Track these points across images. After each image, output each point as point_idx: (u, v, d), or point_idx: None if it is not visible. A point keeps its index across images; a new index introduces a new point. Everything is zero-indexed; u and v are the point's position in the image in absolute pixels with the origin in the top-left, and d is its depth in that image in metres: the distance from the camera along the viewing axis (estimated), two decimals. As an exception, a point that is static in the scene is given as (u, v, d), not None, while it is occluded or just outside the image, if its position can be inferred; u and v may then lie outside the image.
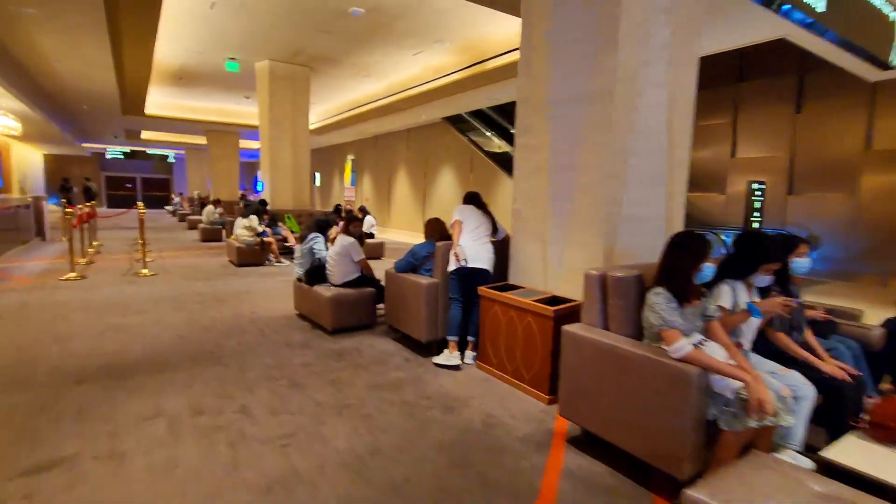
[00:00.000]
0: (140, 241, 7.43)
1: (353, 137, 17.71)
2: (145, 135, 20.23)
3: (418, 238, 14.30)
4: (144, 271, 7.15)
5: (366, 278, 4.71)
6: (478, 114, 12.29)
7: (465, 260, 3.57)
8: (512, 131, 11.78)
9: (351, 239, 4.60)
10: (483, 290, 3.55)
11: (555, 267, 3.41)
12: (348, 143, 18.88)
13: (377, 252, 9.37)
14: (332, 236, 5.11)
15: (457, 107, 11.40)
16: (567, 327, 2.54)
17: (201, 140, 19.41)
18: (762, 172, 9.33)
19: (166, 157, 27.13)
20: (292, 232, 9.70)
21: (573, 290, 3.29)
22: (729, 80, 9.65)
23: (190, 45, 9.07)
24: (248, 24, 7.87)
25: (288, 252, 9.43)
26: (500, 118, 11.99)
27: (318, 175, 21.96)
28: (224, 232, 12.35)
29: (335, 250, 4.61)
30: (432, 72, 9.97)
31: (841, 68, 6.67)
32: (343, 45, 8.74)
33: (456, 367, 3.61)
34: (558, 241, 3.37)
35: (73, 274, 6.66)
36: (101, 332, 4.30)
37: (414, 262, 4.06)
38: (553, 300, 3.27)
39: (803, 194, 8.93)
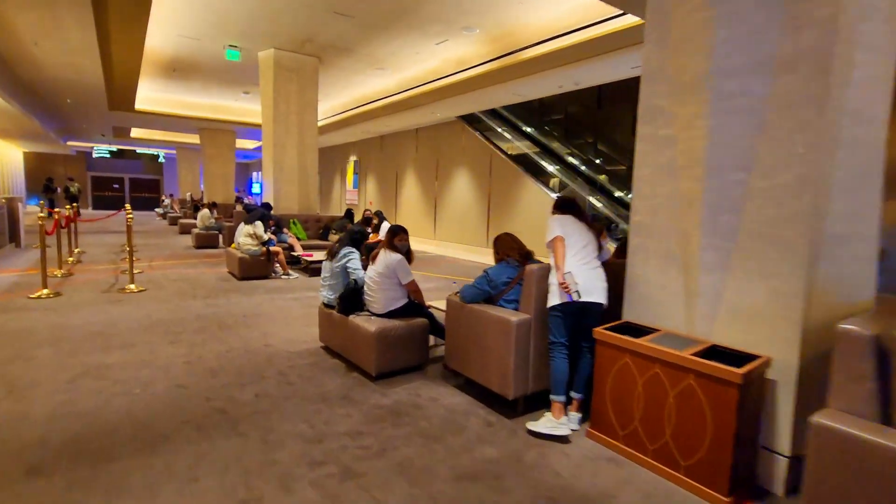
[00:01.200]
0: (127, 249, 6.38)
1: (357, 137, 16.68)
2: (135, 133, 19.03)
3: (427, 245, 13.50)
4: (132, 286, 6.10)
5: (415, 305, 3.73)
6: (493, 113, 11.36)
7: (577, 292, 2.60)
8: (524, 129, 10.93)
9: (398, 256, 3.62)
10: (603, 332, 2.59)
11: (709, 303, 2.46)
12: (351, 144, 17.85)
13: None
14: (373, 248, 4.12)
15: (479, 103, 10.45)
16: (824, 420, 1.58)
17: (193, 139, 18.26)
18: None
19: (156, 156, 25.89)
20: (299, 239, 8.70)
21: (740, 336, 2.34)
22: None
23: (186, 30, 8.03)
24: (252, 6, 6.87)
25: (294, 262, 8.42)
26: (517, 119, 11.07)
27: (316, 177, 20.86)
28: (221, 238, 11.30)
29: (377, 270, 3.62)
30: (453, 64, 9.03)
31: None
32: (360, 32, 7.77)
33: (563, 439, 2.64)
34: (717, 268, 2.42)
35: (45, 291, 5.59)
36: (72, 379, 3.27)
37: (490, 291, 3.08)
38: (712, 351, 2.32)
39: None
